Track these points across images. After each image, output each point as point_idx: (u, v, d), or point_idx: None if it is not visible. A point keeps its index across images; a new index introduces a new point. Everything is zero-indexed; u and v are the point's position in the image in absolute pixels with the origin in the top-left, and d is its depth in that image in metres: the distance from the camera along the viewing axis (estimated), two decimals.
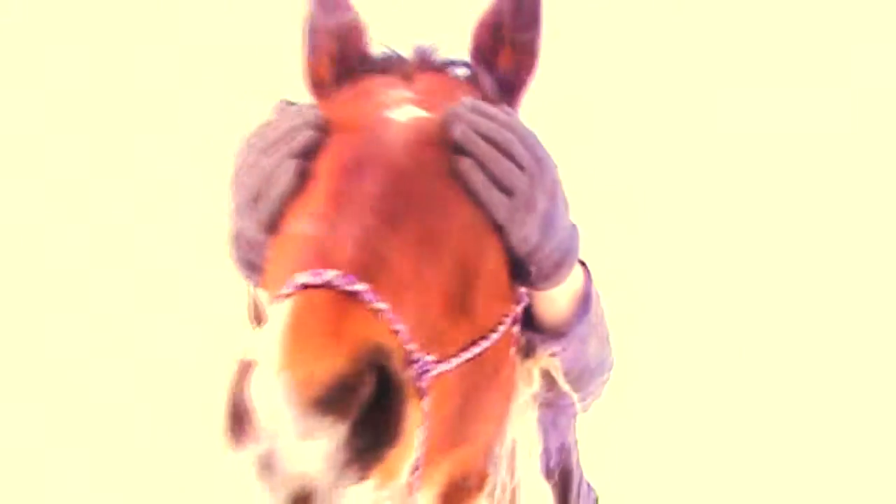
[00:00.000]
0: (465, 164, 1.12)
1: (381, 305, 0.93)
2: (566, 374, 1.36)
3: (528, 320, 1.31)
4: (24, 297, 4.10)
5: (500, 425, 1.31)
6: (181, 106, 4.17)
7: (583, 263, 1.36)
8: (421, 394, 0.97)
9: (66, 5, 4.21)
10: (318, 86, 1.34)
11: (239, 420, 0.88)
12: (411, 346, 0.95)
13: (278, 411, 0.84)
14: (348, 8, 1.34)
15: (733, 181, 4.17)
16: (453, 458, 1.23)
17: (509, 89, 1.31)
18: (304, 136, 1.14)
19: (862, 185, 4.18)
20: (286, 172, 1.12)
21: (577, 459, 1.71)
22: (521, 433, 1.37)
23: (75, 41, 4.20)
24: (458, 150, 1.14)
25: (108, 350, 4.02)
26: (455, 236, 1.09)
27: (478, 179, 1.12)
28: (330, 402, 0.84)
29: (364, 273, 0.94)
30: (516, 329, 1.25)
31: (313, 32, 1.33)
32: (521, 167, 1.14)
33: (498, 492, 1.35)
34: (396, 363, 0.91)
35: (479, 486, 1.33)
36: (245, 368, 0.88)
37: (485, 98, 1.25)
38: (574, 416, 1.63)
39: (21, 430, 3.88)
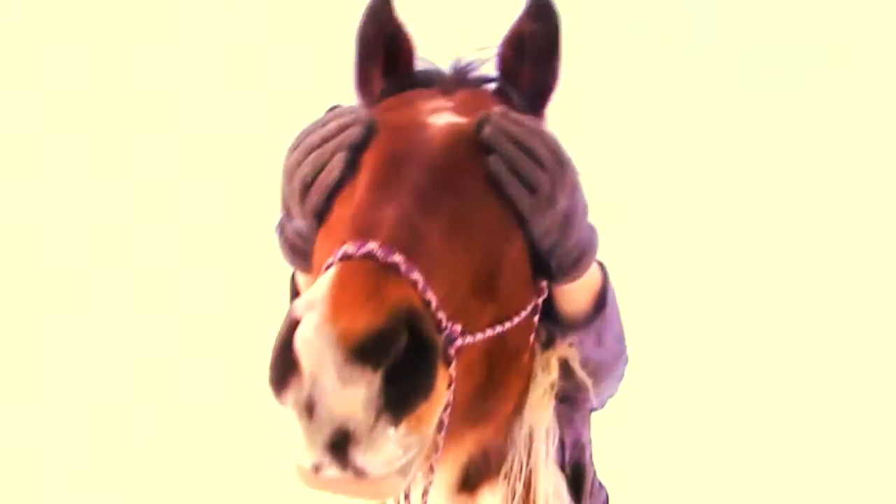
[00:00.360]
0: (494, 162, 1.24)
1: (416, 276, 1.04)
2: (583, 365, 1.46)
3: (550, 314, 1.42)
4: (24, 297, 4.23)
5: (518, 408, 1.42)
6: (181, 107, 4.29)
7: (601, 264, 1.47)
8: (448, 360, 1.08)
9: (66, 6, 4.37)
10: (368, 95, 1.48)
11: (284, 370, 0.99)
12: (440, 316, 1.06)
13: (322, 358, 0.95)
14: (398, 24, 1.48)
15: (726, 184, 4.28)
16: (475, 435, 1.34)
17: (534, 102, 1.44)
18: (355, 132, 1.27)
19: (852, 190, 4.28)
20: (337, 163, 1.25)
21: (591, 457, 1.80)
22: (538, 420, 1.47)
23: (75, 41, 4.34)
24: (489, 150, 1.26)
25: (107, 350, 4.12)
26: (484, 226, 1.21)
27: (504, 176, 1.24)
28: (368, 351, 0.95)
29: (401, 247, 1.06)
30: (536, 318, 1.36)
31: (365, 46, 1.47)
32: (543, 167, 1.25)
33: (514, 472, 1.45)
34: (428, 326, 1.02)
35: (498, 468, 1.43)
36: (293, 323, 0.99)
37: (512, 109, 1.37)
38: (589, 413, 1.73)
39: (21, 429, 3.99)
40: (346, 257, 1.04)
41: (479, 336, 1.16)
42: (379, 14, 1.46)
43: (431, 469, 1.18)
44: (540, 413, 1.47)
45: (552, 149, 1.28)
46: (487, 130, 1.26)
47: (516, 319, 1.26)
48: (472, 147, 1.26)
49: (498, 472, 1.44)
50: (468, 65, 1.46)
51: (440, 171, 1.21)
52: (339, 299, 0.98)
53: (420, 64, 1.49)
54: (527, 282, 1.31)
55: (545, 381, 1.45)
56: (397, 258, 1.04)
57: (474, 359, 1.17)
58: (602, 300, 1.44)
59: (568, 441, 1.66)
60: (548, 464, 1.54)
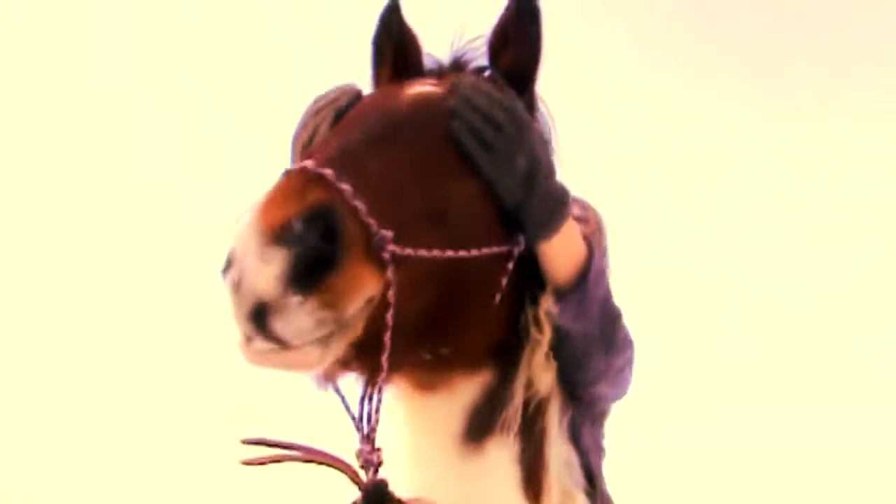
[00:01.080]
0: (455, 124, 1.42)
1: (344, 186, 1.22)
2: (567, 335, 1.55)
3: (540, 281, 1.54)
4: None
5: (510, 358, 1.53)
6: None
7: (590, 242, 1.58)
8: (381, 260, 1.24)
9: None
10: None
11: (228, 260, 1.20)
12: (369, 220, 1.23)
13: (247, 244, 1.16)
14: (405, 29, 1.70)
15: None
16: (465, 375, 1.50)
17: (519, 83, 1.60)
18: (342, 100, 1.52)
19: None
20: (324, 125, 1.49)
21: (601, 465, 1.83)
22: (541, 379, 1.56)
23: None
24: (454, 115, 1.44)
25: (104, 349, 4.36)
26: (435, 166, 1.39)
27: (463, 136, 1.42)
28: (282, 235, 1.15)
29: (335, 166, 1.25)
30: (510, 265, 1.47)
31: (376, 51, 1.70)
32: (500, 130, 1.42)
33: (522, 428, 1.55)
34: (345, 221, 1.19)
35: (504, 421, 1.52)
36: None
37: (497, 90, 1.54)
38: (597, 419, 1.80)
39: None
40: (285, 173, 1.25)
41: (423, 251, 1.30)
42: (387, 22, 1.69)
43: (378, 381, 1.32)
44: (542, 373, 1.56)
45: (512, 113, 1.44)
46: (453, 99, 1.44)
47: (475, 251, 1.39)
48: (437, 110, 1.45)
49: (505, 427, 1.53)
50: (464, 54, 1.65)
51: (397, 121, 1.41)
52: (268, 199, 1.19)
53: (427, 60, 1.70)
54: (488, 221, 1.44)
55: (542, 340, 1.54)
56: (326, 171, 1.23)
57: (424, 275, 1.31)
58: (585, 272, 1.54)
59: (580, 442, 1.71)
60: (559, 431, 1.62)
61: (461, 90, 1.45)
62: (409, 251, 1.28)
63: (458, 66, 1.64)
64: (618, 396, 1.78)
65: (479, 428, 1.53)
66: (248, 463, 1.32)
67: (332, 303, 1.18)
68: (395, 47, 1.69)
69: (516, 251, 1.48)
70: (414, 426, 1.58)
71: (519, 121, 1.45)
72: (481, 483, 1.53)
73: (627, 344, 1.67)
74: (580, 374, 1.61)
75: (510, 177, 1.42)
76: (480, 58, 1.65)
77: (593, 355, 1.60)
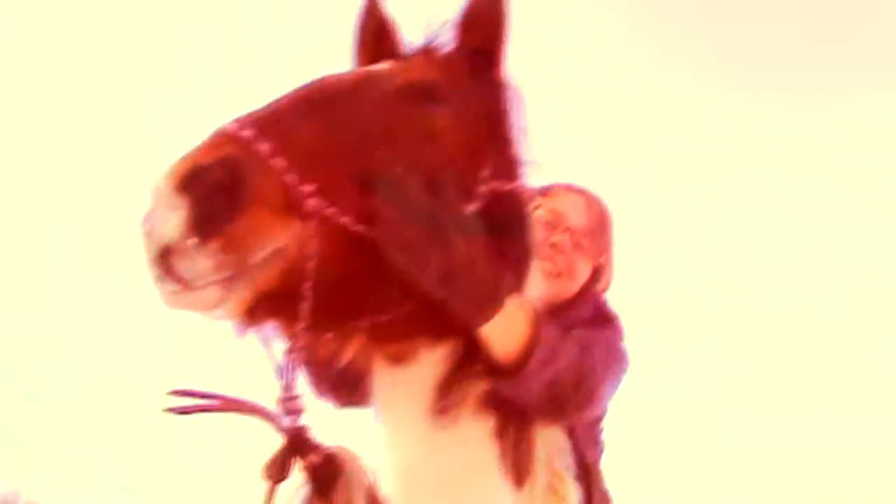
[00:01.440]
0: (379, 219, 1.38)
1: (262, 146, 1.28)
2: (515, 399, 1.56)
3: None
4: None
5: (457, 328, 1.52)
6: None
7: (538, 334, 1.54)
8: (301, 212, 1.29)
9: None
10: None
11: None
12: (287, 176, 1.28)
13: (157, 193, 1.23)
14: (384, 18, 1.75)
15: None
16: (428, 346, 1.53)
17: (484, 63, 1.65)
18: None
19: None
20: None
21: (598, 459, 1.82)
22: None
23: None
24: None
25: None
26: (371, 137, 1.43)
27: (384, 237, 1.38)
28: (186, 183, 1.22)
29: (259, 128, 1.30)
30: None
31: (357, 40, 1.77)
32: (415, 231, 1.38)
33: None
34: (251, 174, 1.25)
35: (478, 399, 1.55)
36: None
37: (454, 67, 1.61)
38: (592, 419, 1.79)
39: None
40: (210, 134, 1.31)
41: (348, 214, 1.34)
42: (367, 12, 1.76)
43: (299, 331, 1.35)
44: None
45: (428, 215, 1.39)
46: (378, 197, 1.38)
47: None
48: (378, 85, 1.50)
49: (479, 404, 1.55)
50: (435, 37, 1.68)
51: (336, 93, 1.45)
52: (184, 155, 1.26)
53: (405, 45, 1.74)
54: None
55: None
56: (246, 132, 1.29)
57: (348, 243, 1.36)
58: (525, 359, 1.51)
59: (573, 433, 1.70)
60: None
61: (383, 194, 1.39)
62: (334, 210, 1.32)
63: (428, 49, 1.68)
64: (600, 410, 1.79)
65: (449, 401, 1.54)
66: (172, 411, 1.37)
67: (232, 248, 1.23)
68: (375, 36, 1.75)
69: None
70: (387, 401, 1.62)
71: (435, 222, 1.39)
72: (455, 456, 1.55)
73: (591, 399, 1.64)
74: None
75: (427, 280, 1.40)
76: (451, 40, 1.69)
77: (544, 418, 1.61)
